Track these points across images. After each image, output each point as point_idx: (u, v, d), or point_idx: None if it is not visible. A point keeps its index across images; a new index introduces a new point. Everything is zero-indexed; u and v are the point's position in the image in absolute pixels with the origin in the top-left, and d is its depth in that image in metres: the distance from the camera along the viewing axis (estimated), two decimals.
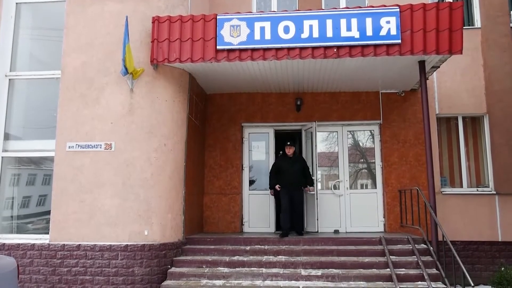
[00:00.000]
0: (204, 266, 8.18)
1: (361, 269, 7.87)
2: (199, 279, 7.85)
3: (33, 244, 8.19)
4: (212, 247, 8.68)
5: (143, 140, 8.33)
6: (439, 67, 8.93)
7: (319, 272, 7.80)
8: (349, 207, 10.50)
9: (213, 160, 10.80)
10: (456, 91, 10.61)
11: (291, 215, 9.51)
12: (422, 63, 8.60)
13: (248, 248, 8.53)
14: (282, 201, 9.61)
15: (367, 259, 8.11)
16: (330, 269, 7.89)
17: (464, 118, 10.80)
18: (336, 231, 10.24)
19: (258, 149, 11.12)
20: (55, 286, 7.94)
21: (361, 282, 7.56)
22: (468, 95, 10.58)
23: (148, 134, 8.35)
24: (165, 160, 8.45)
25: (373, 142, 10.84)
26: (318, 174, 11.00)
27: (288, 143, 9.88)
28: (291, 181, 9.55)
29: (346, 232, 10.29)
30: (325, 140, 11.06)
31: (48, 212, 8.39)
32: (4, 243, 8.27)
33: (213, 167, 10.76)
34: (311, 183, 9.75)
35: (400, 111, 10.59)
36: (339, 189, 10.63)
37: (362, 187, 10.93)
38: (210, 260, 8.27)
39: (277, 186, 9.69)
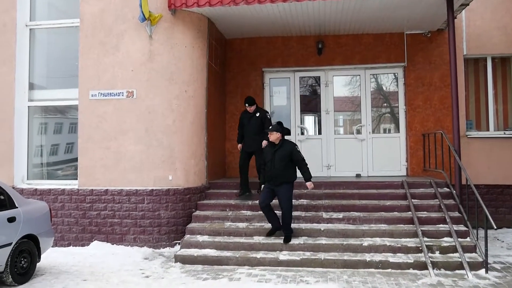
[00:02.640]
0: (227, 210, 8.38)
1: (383, 212, 7.94)
2: (223, 222, 8.07)
3: (63, 189, 8.49)
4: (235, 191, 8.85)
5: (164, 87, 8.35)
6: (468, 4, 8.52)
7: (340, 215, 7.91)
8: (371, 151, 10.46)
9: (234, 106, 10.80)
10: (485, 30, 10.17)
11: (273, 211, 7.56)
12: (450, 0, 8.22)
13: None
14: (261, 195, 7.62)
15: (388, 203, 8.16)
16: (351, 212, 7.99)
17: (493, 59, 10.41)
18: (358, 175, 10.28)
19: (279, 94, 11.04)
20: (86, 228, 8.30)
21: (382, 225, 7.65)
22: (499, 33, 10.13)
23: (168, 81, 8.36)
24: (186, 107, 8.50)
25: (397, 85, 10.62)
26: (340, 119, 10.96)
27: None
28: (274, 174, 7.33)
29: (368, 176, 10.32)
30: (348, 84, 10.88)
31: (76, 159, 8.64)
32: (36, 189, 8.60)
33: (234, 113, 10.77)
34: (308, 177, 7.40)
35: (425, 53, 10.27)
36: (361, 133, 10.56)
37: (385, 131, 10.84)
38: (233, 203, 8.46)
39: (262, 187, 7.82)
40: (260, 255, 7.07)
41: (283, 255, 7.00)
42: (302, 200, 8.43)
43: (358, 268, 6.69)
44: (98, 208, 8.31)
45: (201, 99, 8.82)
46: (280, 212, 7.39)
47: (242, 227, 7.81)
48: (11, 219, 6.04)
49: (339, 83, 10.81)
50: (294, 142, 10.48)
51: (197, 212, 8.35)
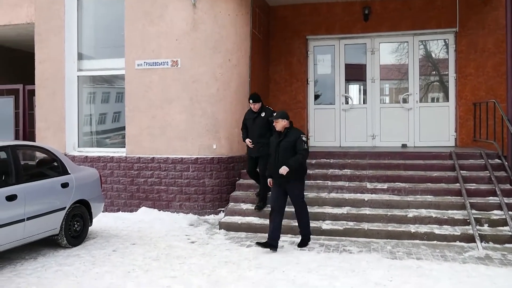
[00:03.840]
0: None
1: (429, 183, 7.78)
2: None
3: (112, 157, 8.78)
4: None
5: (208, 56, 8.36)
6: None
7: (384, 185, 7.81)
8: (418, 121, 10.18)
9: (277, 75, 10.72)
10: None
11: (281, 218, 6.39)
12: None
13: (313, 161, 8.63)
14: (271, 195, 6.70)
15: (435, 174, 7.97)
16: (396, 183, 7.86)
17: None
18: (404, 146, 10.05)
19: (324, 62, 10.85)
20: (134, 194, 8.59)
21: (428, 196, 7.50)
22: None
23: (212, 50, 8.36)
24: (230, 76, 8.50)
25: (447, 52, 10.19)
26: (386, 88, 10.69)
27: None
28: (278, 166, 6.23)
29: (414, 146, 10.07)
30: (395, 51, 10.54)
31: (123, 128, 8.88)
32: (86, 156, 8.93)
33: (278, 81, 10.70)
34: (291, 163, 6.11)
35: (479, 17, 9.76)
36: (408, 102, 10.27)
37: (433, 100, 10.50)
38: None
39: (269, 181, 6.60)
40: None
41: (326, 225, 7.02)
42: (345, 170, 8.36)
43: (402, 239, 6.63)
44: (145, 175, 8.56)
45: (244, 68, 8.79)
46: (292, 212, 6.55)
47: None
48: (65, 185, 6.32)
49: (385, 51, 10.48)
50: (339, 111, 10.39)
51: (241, 181, 8.45)
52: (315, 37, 10.64)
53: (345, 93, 10.62)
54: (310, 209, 7.30)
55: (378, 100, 10.41)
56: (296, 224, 6.57)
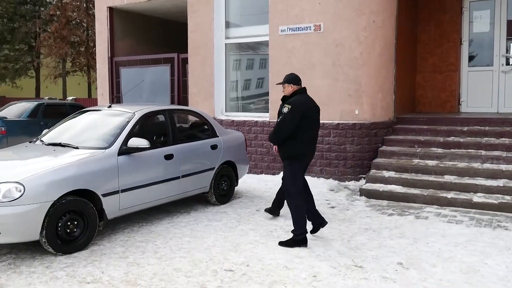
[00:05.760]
0: (416, 146, 8.04)
1: None
2: (411, 159, 7.79)
3: (256, 121, 9.14)
4: (425, 127, 8.39)
5: (351, 18, 8.11)
6: None
7: None
8: None
9: (426, 35, 9.99)
10: None
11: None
12: None
13: (465, 129, 7.99)
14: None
15: None
16: None
17: None
18: None
19: (481, 19, 9.79)
20: (276, 158, 8.85)
21: None
22: None
23: (356, 12, 8.08)
24: (374, 38, 8.16)
25: None
26: None
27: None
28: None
29: None
30: None
31: (267, 93, 9.14)
32: (233, 120, 9.44)
33: (427, 42, 9.99)
34: (270, 138, 5.35)
35: None
36: None
37: None
38: (423, 140, 8.06)
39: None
40: (451, 195, 6.68)
41: (478, 197, 6.50)
42: (503, 139, 7.58)
43: None
44: None
45: (390, 29, 8.35)
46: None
47: (432, 164, 7.42)
48: (214, 147, 6.79)
49: None
50: (497, 73, 9.39)
51: (384, 147, 8.20)
52: None
53: (506, 53, 9.50)
54: (460, 180, 6.85)
55: None
56: (441, 194, 6.15)
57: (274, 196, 6.33)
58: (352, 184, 8.11)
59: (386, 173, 7.53)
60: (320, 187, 7.84)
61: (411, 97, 10.02)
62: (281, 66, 8.75)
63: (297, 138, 5.07)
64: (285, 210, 6.48)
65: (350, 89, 8.19)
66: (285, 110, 5.07)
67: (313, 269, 4.39)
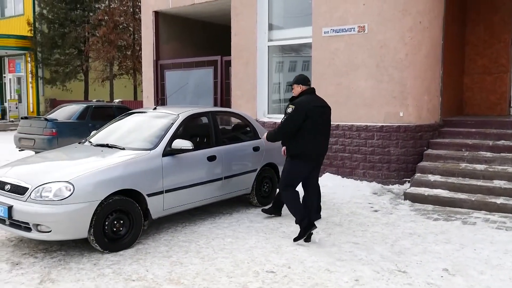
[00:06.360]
0: (463, 150, 7.80)
1: None
2: (458, 162, 7.56)
3: None
4: (473, 130, 8.13)
5: (396, 19, 7.97)
6: None
7: None
8: None
9: (475, 36, 9.68)
10: None
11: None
12: None
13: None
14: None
15: None
16: None
17: None
18: None
19: None
20: None
21: None
22: None
23: (401, 13, 7.93)
24: (420, 39, 7.98)
25: None
26: None
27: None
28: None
29: None
30: None
31: None
32: (275, 122, 9.39)
33: (475, 44, 9.68)
34: (267, 135, 5.74)
35: None
36: None
37: None
38: (470, 143, 7.81)
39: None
40: (500, 200, 6.45)
41: None
42: None
43: None
44: (330, 142, 8.65)
45: (437, 30, 8.15)
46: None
47: (480, 169, 7.19)
48: (256, 148, 6.83)
49: None
50: None
51: (429, 151, 8.00)
52: None
53: None
54: (510, 185, 6.60)
55: None
56: (490, 200, 5.95)
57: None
58: (396, 187, 7.96)
59: (431, 177, 7.34)
60: (363, 190, 7.74)
61: (458, 99, 9.73)
62: (324, 68, 8.69)
63: (300, 138, 5.20)
64: (329, 215, 6.45)
65: (394, 90, 8.04)
66: (289, 110, 5.23)
67: (355, 273, 4.34)
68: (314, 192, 5.65)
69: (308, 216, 5.19)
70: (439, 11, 8.15)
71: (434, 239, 5.33)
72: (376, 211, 6.62)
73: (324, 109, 5.41)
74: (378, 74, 8.13)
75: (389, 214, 6.43)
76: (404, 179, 8.02)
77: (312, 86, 5.59)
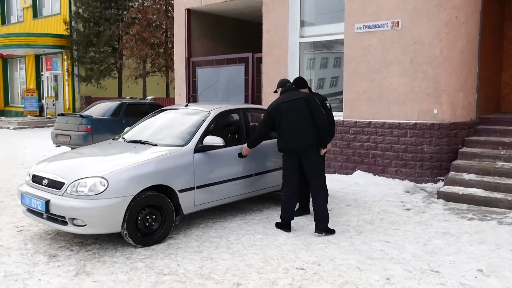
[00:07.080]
0: (500, 148, 7.58)
1: None
2: (494, 161, 7.36)
3: None
4: (511, 128, 7.90)
5: (431, 14, 7.80)
6: None
7: None
8: None
9: None
10: None
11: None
12: None
13: None
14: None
15: None
16: None
17: None
18: None
19: None
20: (349, 158, 8.75)
21: None
22: None
23: (436, 8, 7.76)
24: (456, 35, 7.79)
25: None
26: None
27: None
28: None
29: None
30: None
31: (340, 92, 9.03)
32: None
33: None
34: (247, 143, 6.12)
35: None
36: None
37: None
38: (508, 142, 7.59)
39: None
40: None
41: None
42: None
43: None
44: (361, 139, 8.60)
45: (473, 25, 7.94)
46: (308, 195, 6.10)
47: None
48: None
49: None
50: None
51: (464, 149, 7.81)
52: None
53: None
54: None
55: None
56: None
57: (346, 196, 6.25)
58: (429, 186, 7.81)
59: (466, 176, 7.17)
60: (395, 188, 7.64)
61: (495, 96, 9.46)
62: (356, 64, 8.60)
63: (279, 135, 5.60)
64: (360, 213, 6.40)
65: (428, 87, 7.89)
66: (267, 109, 5.68)
67: (386, 271, 4.29)
68: (317, 196, 5.49)
69: (287, 219, 5.55)
70: (476, 6, 7.94)
71: (469, 239, 5.21)
72: (408, 209, 6.51)
73: (294, 103, 5.47)
74: (412, 70, 7.99)
75: (421, 213, 6.32)
76: (438, 178, 7.87)
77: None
